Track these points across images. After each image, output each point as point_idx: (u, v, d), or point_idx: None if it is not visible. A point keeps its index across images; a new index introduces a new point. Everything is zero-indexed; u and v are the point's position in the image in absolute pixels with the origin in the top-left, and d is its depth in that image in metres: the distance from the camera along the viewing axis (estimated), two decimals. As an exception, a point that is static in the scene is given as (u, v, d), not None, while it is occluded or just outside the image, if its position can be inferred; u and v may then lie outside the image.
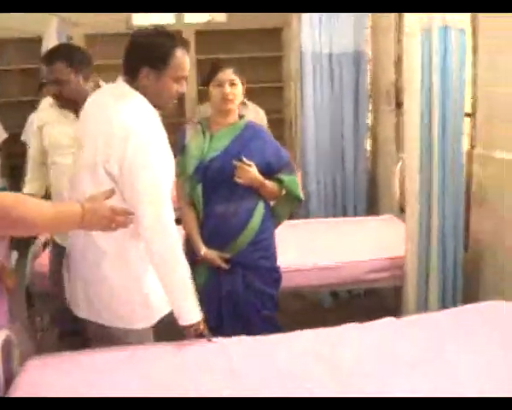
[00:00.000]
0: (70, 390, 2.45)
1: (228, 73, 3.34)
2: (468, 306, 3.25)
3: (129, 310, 2.72)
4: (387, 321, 3.08)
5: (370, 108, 5.66)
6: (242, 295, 3.39)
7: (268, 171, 3.40)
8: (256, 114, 5.02)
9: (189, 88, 7.22)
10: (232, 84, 3.34)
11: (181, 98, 7.13)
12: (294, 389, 2.43)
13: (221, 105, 3.37)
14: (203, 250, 3.33)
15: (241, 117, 3.49)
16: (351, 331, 2.96)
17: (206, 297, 2.97)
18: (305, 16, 5.28)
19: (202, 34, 7.46)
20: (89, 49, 7.10)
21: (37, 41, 6.52)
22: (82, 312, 2.79)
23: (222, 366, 2.63)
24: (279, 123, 7.36)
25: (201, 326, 2.77)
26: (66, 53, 3.39)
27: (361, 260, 4.07)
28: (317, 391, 2.40)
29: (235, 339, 2.88)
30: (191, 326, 2.74)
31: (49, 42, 6.03)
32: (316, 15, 5.28)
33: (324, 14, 5.30)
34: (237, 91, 3.37)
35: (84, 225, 2.29)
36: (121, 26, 7.27)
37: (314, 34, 5.32)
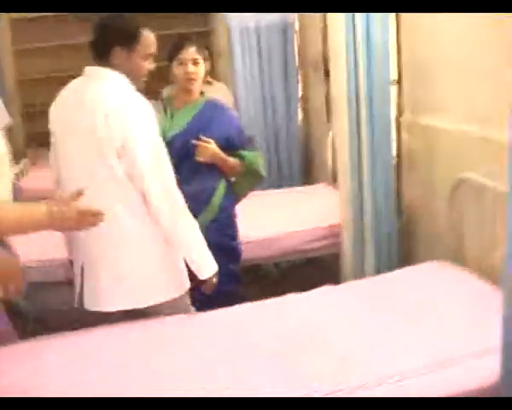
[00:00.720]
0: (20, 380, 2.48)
1: (191, 52, 3.35)
2: (400, 270, 3.40)
3: (165, 283, 2.87)
4: (325, 289, 3.19)
5: (300, 79, 5.70)
6: None
7: (229, 146, 3.44)
8: (222, 92, 4.98)
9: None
10: (195, 62, 3.36)
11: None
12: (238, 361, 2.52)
13: (184, 84, 3.40)
14: None
15: (201, 94, 3.50)
16: (292, 302, 3.06)
17: None
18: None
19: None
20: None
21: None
22: (109, 305, 2.83)
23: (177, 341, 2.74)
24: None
25: (215, 279, 2.91)
26: None
27: (300, 230, 4.13)
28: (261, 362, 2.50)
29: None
30: (211, 278, 2.89)
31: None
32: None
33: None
34: (200, 70, 3.38)
35: (50, 227, 2.30)
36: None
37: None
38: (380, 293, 3.08)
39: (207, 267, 2.88)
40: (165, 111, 3.45)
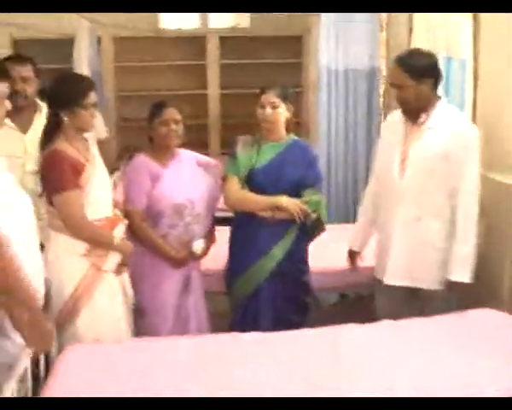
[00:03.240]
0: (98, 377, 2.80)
1: (269, 96, 3.68)
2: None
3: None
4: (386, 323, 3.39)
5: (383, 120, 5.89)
6: (279, 302, 3.79)
7: (300, 185, 3.76)
8: None
9: (213, 90, 7.53)
10: (273, 106, 3.68)
11: (205, 100, 7.46)
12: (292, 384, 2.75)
13: (263, 125, 3.74)
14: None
15: (289, 135, 3.84)
16: (351, 331, 3.27)
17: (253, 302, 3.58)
18: (322, 32, 5.57)
19: (226, 39, 7.72)
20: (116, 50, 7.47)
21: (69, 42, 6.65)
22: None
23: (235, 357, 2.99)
24: (296, 126, 7.54)
25: None
26: None
27: (366, 267, 4.32)
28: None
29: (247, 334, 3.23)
30: None
31: (81, 43, 6.32)
32: (332, 31, 5.56)
33: (341, 29, 5.56)
34: (277, 113, 3.70)
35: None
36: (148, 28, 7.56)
37: (330, 50, 5.61)
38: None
39: None
40: (255, 146, 3.79)
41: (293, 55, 7.78)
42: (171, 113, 3.72)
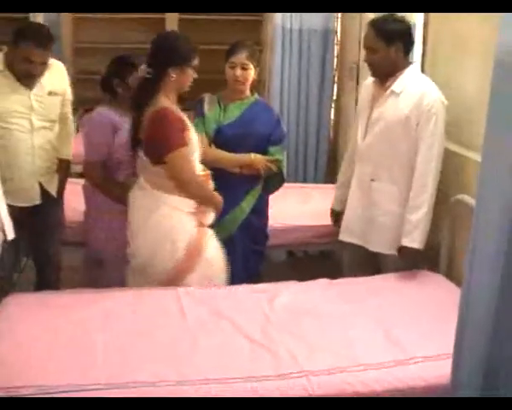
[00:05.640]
0: (40, 324, 2.88)
1: (241, 57, 3.79)
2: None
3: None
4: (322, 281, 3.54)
5: (336, 84, 5.98)
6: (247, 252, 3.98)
7: (268, 142, 3.93)
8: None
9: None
10: (244, 68, 3.79)
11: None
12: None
13: (233, 85, 3.87)
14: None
15: (252, 94, 3.98)
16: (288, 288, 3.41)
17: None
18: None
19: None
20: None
21: None
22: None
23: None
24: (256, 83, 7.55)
25: None
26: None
27: (313, 225, 4.47)
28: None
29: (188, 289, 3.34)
30: None
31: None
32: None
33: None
34: (248, 74, 3.82)
35: None
36: None
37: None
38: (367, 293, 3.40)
39: None
40: (219, 103, 3.91)
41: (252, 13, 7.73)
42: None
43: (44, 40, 3.60)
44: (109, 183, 3.76)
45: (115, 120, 3.73)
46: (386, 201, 3.64)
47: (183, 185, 3.39)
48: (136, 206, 3.46)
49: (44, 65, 3.63)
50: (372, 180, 3.66)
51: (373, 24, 3.57)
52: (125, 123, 3.68)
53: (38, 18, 5.75)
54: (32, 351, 2.69)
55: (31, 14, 5.79)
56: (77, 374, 2.53)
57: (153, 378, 2.52)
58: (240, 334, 2.90)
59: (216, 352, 2.75)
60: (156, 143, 3.35)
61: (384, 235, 3.67)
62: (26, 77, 3.61)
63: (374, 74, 3.66)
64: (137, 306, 3.15)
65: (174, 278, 3.40)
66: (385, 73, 3.59)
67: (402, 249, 3.57)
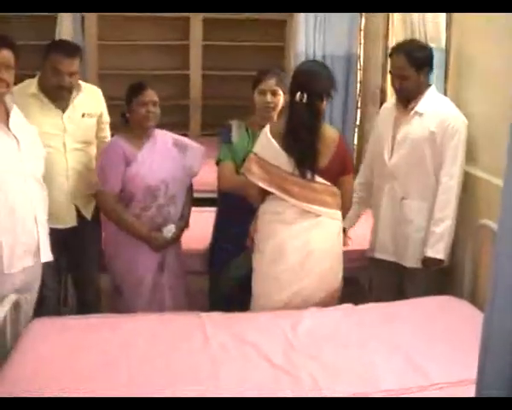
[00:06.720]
0: (61, 345, 2.90)
1: (271, 83, 3.73)
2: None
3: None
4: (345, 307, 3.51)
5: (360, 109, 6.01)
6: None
7: None
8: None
9: (195, 71, 7.50)
10: (274, 93, 3.73)
11: (186, 81, 7.41)
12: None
13: (262, 111, 3.78)
14: None
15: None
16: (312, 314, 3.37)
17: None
18: (301, 18, 5.64)
19: (209, 21, 7.71)
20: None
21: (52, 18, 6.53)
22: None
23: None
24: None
25: None
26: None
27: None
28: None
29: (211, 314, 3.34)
30: None
31: (64, 20, 6.35)
32: (311, 18, 5.64)
33: (319, 17, 5.64)
34: (278, 100, 3.75)
35: None
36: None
37: (309, 36, 5.69)
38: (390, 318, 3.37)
39: None
40: (247, 131, 3.84)
41: (275, 39, 7.78)
42: (150, 94, 3.73)
43: (71, 50, 3.72)
44: (121, 214, 3.75)
45: (128, 150, 3.75)
46: (419, 217, 3.75)
47: (349, 205, 3.64)
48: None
49: (73, 77, 3.68)
50: (403, 198, 3.76)
51: (403, 51, 3.69)
52: (137, 154, 3.73)
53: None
54: (52, 371, 2.72)
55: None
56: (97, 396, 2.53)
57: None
58: (262, 359, 2.89)
59: (238, 376, 2.75)
60: (337, 165, 3.48)
61: (414, 249, 3.77)
62: (57, 90, 3.67)
63: (400, 98, 3.79)
64: (160, 330, 3.16)
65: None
66: (411, 97, 3.71)
67: (426, 260, 3.68)
